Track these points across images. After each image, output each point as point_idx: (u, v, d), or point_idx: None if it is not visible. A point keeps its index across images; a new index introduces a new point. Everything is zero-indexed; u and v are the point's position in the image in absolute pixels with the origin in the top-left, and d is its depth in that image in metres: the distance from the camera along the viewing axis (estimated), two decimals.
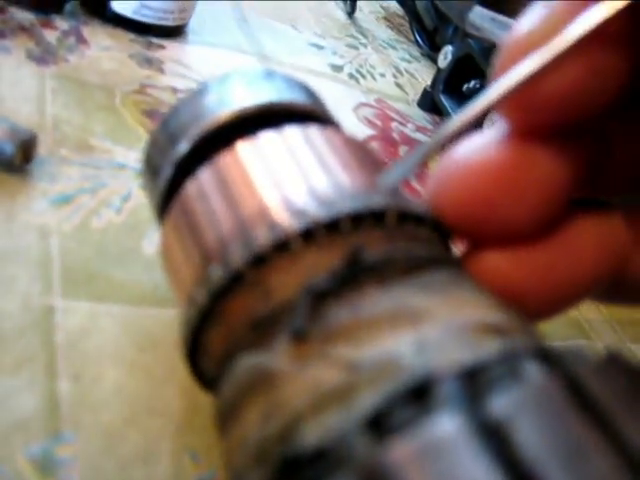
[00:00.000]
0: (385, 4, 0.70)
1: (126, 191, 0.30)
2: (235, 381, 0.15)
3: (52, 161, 0.30)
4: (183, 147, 0.19)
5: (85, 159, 0.31)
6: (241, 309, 0.15)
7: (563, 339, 0.34)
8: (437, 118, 0.52)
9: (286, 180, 0.16)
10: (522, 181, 0.16)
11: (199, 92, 0.20)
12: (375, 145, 0.44)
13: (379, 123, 0.47)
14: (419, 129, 0.49)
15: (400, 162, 0.16)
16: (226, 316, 0.16)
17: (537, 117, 0.15)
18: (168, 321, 0.25)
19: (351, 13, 0.62)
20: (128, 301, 0.25)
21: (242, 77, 0.21)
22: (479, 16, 0.47)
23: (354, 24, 0.62)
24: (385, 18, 0.67)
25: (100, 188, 0.29)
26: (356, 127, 0.45)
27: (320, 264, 0.15)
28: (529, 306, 0.16)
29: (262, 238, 0.15)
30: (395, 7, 0.69)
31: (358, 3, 0.63)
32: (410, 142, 0.46)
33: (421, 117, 0.51)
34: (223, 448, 0.15)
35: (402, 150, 0.45)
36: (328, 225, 0.15)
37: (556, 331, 0.34)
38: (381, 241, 0.15)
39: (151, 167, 0.21)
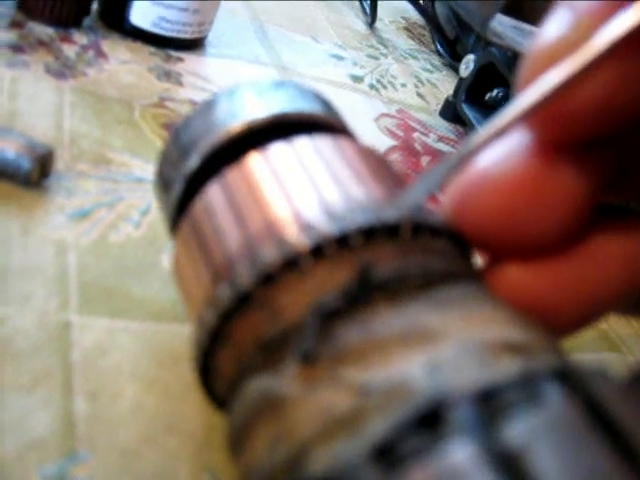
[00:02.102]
0: (406, 14, 0.70)
1: (145, 205, 0.30)
2: (245, 404, 0.14)
3: (69, 176, 0.29)
4: (193, 162, 0.19)
5: (103, 173, 0.30)
6: (250, 330, 0.15)
7: (593, 353, 0.33)
8: (459, 128, 0.51)
9: (295, 193, 0.16)
10: (547, 194, 0.15)
11: (210, 104, 0.20)
12: (397, 156, 0.43)
13: (401, 134, 0.46)
14: (441, 139, 0.48)
15: (425, 176, 0.16)
16: (235, 337, 0.15)
17: (567, 131, 0.14)
18: (187, 337, 0.25)
19: (371, 24, 0.62)
20: (146, 317, 0.25)
21: (253, 88, 0.20)
22: (501, 24, 0.47)
23: (374, 34, 0.61)
24: (406, 28, 0.66)
25: (118, 202, 0.29)
26: (378, 138, 0.44)
27: (330, 281, 0.14)
28: (553, 320, 0.16)
29: (270, 256, 0.14)
30: (416, 17, 0.69)
31: (378, 13, 0.63)
32: (432, 152, 0.46)
33: (443, 127, 0.50)
34: (237, 473, 0.15)
35: (424, 160, 0.44)
36: (338, 240, 0.14)
37: (586, 345, 0.33)
38: (394, 256, 0.14)
39: (163, 180, 0.21)
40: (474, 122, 0.47)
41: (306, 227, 0.14)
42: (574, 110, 0.14)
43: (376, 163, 0.17)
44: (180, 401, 0.22)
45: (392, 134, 0.45)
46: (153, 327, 0.25)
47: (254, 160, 0.17)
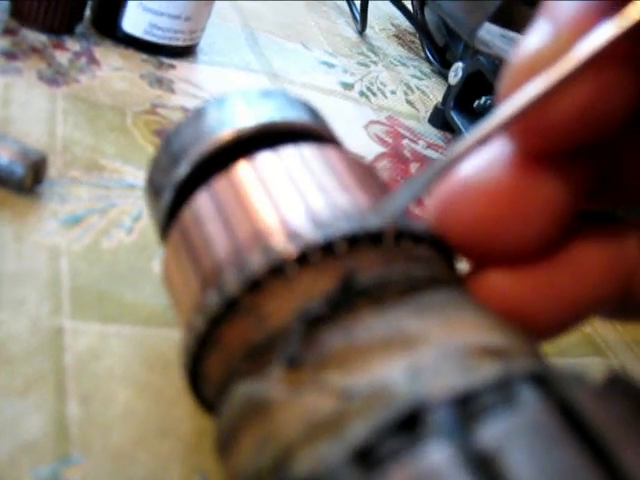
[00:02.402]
0: (396, 22, 0.70)
1: (136, 211, 0.30)
2: (232, 409, 0.15)
3: (62, 182, 0.30)
4: (183, 170, 0.19)
5: (95, 179, 0.31)
6: (237, 335, 0.15)
7: (578, 357, 0.34)
8: (448, 135, 0.51)
9: (282, 202, 0.16)
10: (527, 203, 0.15)
11: (200, 112, 0.20)
12: (386, 163, 0.44)
13: (390, 140, 0.46)
14: (430, 146, 0.49)
15: (409, 183, 0.16)
16: (223, 342, 0.15)
17: (547, 141, 0.15)
18: (178, 342, 0.25)
19: (361, 31, 0.62)
20: (138, 322, 0.25)
21: (242, 97, 0.20)
22: (489, 33, 0.47)
23: (365, 42, 0.62)
24: (395, 35, 0.67)
25: (110, 208, 0.29)
26: (367, 145, 0.45)
27: (315, 288, 0.14)
28: (534, 325, 0.16)
29: (256, 263, 0.15)
30: (405, 24, 0.70)
31: (368, 21, 0.63)
32: (421, 159, 0.46)
33: (432, 134, 0.51)
34: (226, 474, 0.15)
35: (413, 167, 0.45)
36: (323, 248, 0.15)
37: (571, 349, 0.34)
38: (378, 263, 0.15)
39: (153, 187, 0.21)
40: (463, 129, 0.48)
41: (292, 235, 0.15)
42: (554, 121, 0.14)
43: (362, 172, 0.17)
44: (171, 405, 0.23)
45: (381, 141, 0.46)
46: (145, 332, 0.25)
47: (242, 169, 0.17)
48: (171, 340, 0.25)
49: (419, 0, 0.61)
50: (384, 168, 0.43)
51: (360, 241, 0.15)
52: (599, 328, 0.36)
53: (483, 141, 0.15)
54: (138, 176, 0.32)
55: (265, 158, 0.17)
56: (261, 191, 0.16)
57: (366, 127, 0.47)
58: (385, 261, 0.15)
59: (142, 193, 0.31)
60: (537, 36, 0.14)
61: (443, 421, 0.11)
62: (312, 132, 0.20)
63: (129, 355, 0.24)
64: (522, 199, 0.15)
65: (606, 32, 0.13)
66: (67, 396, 0.21)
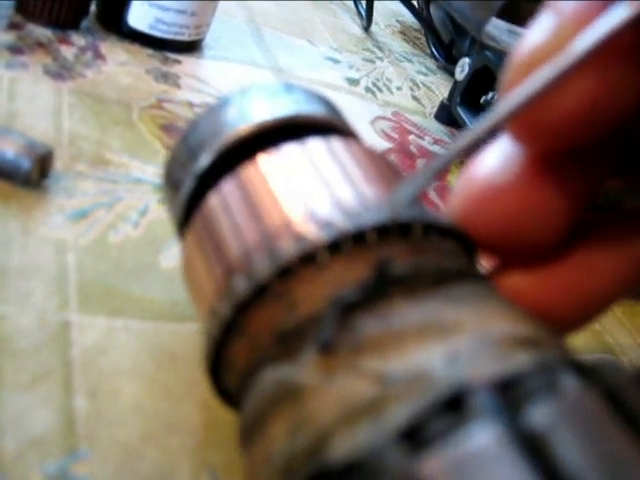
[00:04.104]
0: (401, 18, 0.70)
1: (143, 205, 0.30)
2: (260, 395, 0.14)
3: (68, 176, 0.29)
4: (205, 160, 0.19)
5: (101, 174, 0.30)
6: (266, 321, 0.15)
7: (587, 354, 0.34)
8: (454, 130, 0.51)
9: (310, 192, 0.16)
10: (538, 202, 0.15)
11: (218, 106, 0.20)
12: (393, 158, 0.43)
13: (396, 136, 0.46)
14: (437, 142, 0.49)
15: (416, 175, 0.16)
16: (250, 328, 0.15)
17: (552, 138, 0.14)
18: (186, 336, 0.25)
19: (367, 27, 0.62)
20: (146, 316, 0.25)
21: (262, 91, 0.20)
22: (497, 28, 0.47)
23: (370, 38, 0.61)
24: (401, 32, 0.67)
25: (117, 202, 0.29)
26: (373, 140, 0.44)
27: (347, 276, 0.14)
28: (556, 321, 0.16)
29: (287, 249, 0.15)
30: (411, 20, 0.69)
31: (374, 17, 0.63)
32: (428, 155, 0.46)
33: (438, 130, 0.51)
34: (246, 464, 0.15)
35: (420, 163, 0.45)
36: (354, 237, 0.15)
37: (579, 346, 0.34)
38: (408, 253, 0.15)
39: (171, 182, 0.21)
40: (469, 125, 0.47)
41: (323, 224, 0.15)
42: (558, 117, 0.14)
43: (382, 163, 0.18)
44: (180, 399, 0.22)
45: (388, 137, 0.46)
46: (152, 326, 0.25)
47: (268, 159, 0.17)
48: (179, 335, 0.25)
49: None
50: None
51: (390, 232, 0.15)
52: (608, 326, 0.36)
53: (488, 134, 0.15)
54: (144, 170, 0.32)
55: (291, 149, 0.17)
56: (289, 181, 0.16)
57: (372, 123, 0.47)
58: (415, 252, 0.15)
59: (149, 187, 0.31)
60: (540, 30, 0.14)
61: (487, 404, 0.11)
62: (332, 126, 0.20)
63: (136, 350, 0.23)
64: (536, 197, 0.15)
65: (609, 23, 0.13)
66: (74, 391, 0.21)
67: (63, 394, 0.21)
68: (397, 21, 0.69)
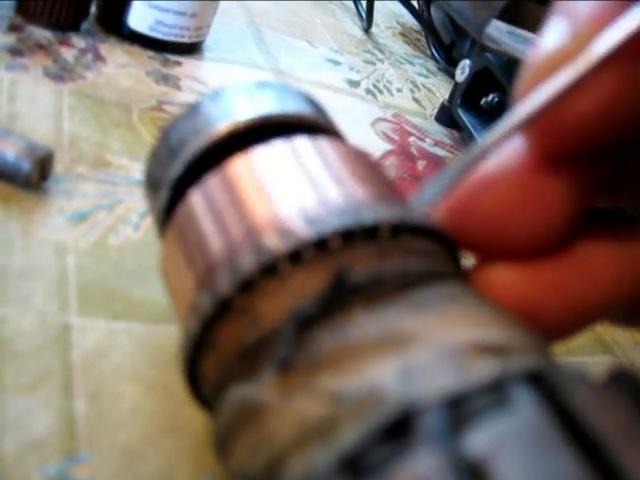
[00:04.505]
0: (401, 19, 0.70)
1: (143, 207, 0.30)
2: (226, 412, 0.14)
3: (69, 178, 0.29)
4: (177, 168, 0.19)
5: (102, 176, 0.30)
6: (231, 337, 0.15)
7: (588, 356, 0.34)
8: (455, 132, 0.51)
9: (273, 198, 0.15)
10: (540, 198, 0.15)
11: (200, 105, 0.20)
12: (393, 160, 0.43)
13: (397, 138, 0.46)
14: (437, 143, 0.49)
15: (433, 181, 0.16)
16: (218, 345, 0.15)
17: (566, 142, 0.14)
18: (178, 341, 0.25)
19: (367, 29, 0.62)
20: (146, 319, 0.25)
21: (240, 89, 0.20)
22: (497, 30, 0.47)
23: (371, 40, 0.61)
24: (401, 33, 0.67)
25: (117, 205, 0.29)
26: (374, 142, 0.44)
27: (308, 287, 0.14)
28: (541, 323, 0.16)
29: (248, 262, 0.14)
30: (411, 22, 0.69)
31: (374, 19, 0.63)
32: (428, 157, 0.46)
33: (439, 131, 0.51)
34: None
35: (420, 165, 0.45)
36: (316, 244, 0.14)
37: (581, 348, 0.33)
38: (373, 257, 0.14)
39: (152, 181, 0.20)
40: (470, 127, 0.47)
41: (284, 232, 0.14)
42: (573, 121, 0.14)
43: (361, 164, 0.17)
44: (180, 402, 0.22)
45: (388, 138, 0.46)
46: (153, 329, 0.25)
47: (234, 165, 0.17)
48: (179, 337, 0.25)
49: None
50: (391, 165, 0.43)
51: (355, 236, 0.14)
52: (609, 327, 0.36)
53: (505, 138, 0.15)
54: None
55: (258, 153, 0.17)
56: (253, 188, 0.16)
57: (373, 124, 0.47)
58: (380, 256, 0.14)
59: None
60: (555, 34, 0.14)
61: (433, 426, 0.11)
62: (311, 124, 0.19)
63: (137, 352, 0.23)
64: (534, 195, 0.15)
65: (628, 26, 0.13)
66: (74, 393, 0.21)
67: (63, 396, 0.21)
68: (397, 22, 0.69)
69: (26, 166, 0.27)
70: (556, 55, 0.14)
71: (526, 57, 0.14)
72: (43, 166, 0.28)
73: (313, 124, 0.19)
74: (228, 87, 0.20)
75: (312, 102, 0.21)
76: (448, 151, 0.48)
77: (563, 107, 0.14)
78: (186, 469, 0.21)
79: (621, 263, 0.16)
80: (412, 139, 0.47)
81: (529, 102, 0.14)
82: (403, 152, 0.45)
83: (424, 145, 0.47)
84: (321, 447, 0.12)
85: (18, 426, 0.20)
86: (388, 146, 0.45)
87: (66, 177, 0.29)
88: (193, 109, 0.20)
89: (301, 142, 0.17)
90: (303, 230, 0.14)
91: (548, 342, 0.15)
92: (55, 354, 0.22)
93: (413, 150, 0.46)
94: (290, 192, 0.15)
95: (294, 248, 0.14)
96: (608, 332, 0.35)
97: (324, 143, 0.17)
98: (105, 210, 0.29)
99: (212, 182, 0.17)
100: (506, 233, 0.16)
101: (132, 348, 0.24)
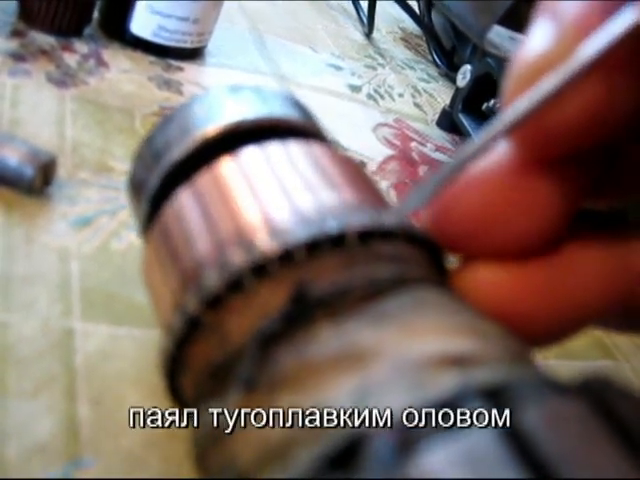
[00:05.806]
0: (403, 24, 0.70)
1: None
2: (199, 432, 0.14)
3: (71, 183, 0.29)
4: (168, 161, 0.18)
5: (104, 181, 0.31)
6: (203, 355, 0.14)
7: (588, 360, 0.34)
8: (456, 137, 0.51)
9: (242, 209, 0.15)
10: (526, 200, 0.15)
11: (185, 107, 0.19)
12: (395, 165, 0.44)
13: (398, 143, 0.46)
14: (439, 149, 0.49)
15: (419, 187, 0.16)
16: (191, 363, 0.15)
17: (551, 146, 0.14)
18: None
19: (369, 34, 0.62)
20: (149, 324, 0.25)
21: (227, 92, 0.20)
22: (498, 35, 0.47)
23: (372, 45, 0.62)
24: (403, 38, 0.67)
25: (120, 210, 0.29)
26: (375, 147, 0.44)
27: (272, 302, 0.14)
28: (525, 327, 0.15)
29: (213, 279, 0.14)
30: (413, 27, 0.69)
31: (376, 24, 0.63)
32: (430, 162, 0.46)
33: (440, 136, 0.51)
34: None
35: (422, 170, 0.45)
36: (281, 257, 0.14)
37: (581, 352, 0.34)
38: (339, 267, 0.14)
39: (135, 183, 0.20)
40: (471, 132, 0.47)
41: (248, 245, 0.14)
42: (559, 126, 0.14)
43: (339, 169, 0.16)
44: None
45: (390, 144, 0.46)
46: (155, 334, 0.25)
47: (202, 177, 0.16)
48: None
49: (426, 3, 0.61)
50: (393, 171, 0.43)
51: (321, 246, 0.14)
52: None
53: (490, 144, 0.15)
54: None
55: (227, 162, 0.16)
56: (220, 201, 0.15)
57: (374, 130, 0.47)
58: (346, 265, 0.14)
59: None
60: (540, 37, 0.14)
61: (380, 452, 0.11)
62: (293, 128, 0.19)
63: (139, 357, 0.24)
64: (518, 196, 0.15)
65: (615, 30, 0.13)
66: (77, 398, 0.21)
67: (66, 401, 0.21)
68: (399, 28, 0.69)
69: (29, 172, 0.27)
70: (541, 59, 0.13)
71: (512, 59, 0.14)
72: (46, 172, 0.28)
73: (297, 128, 0.19)
74: (213, 91, 0.20)
75: (301, 107, 0.20)
76: (450, 156, 0.48)
77: (548, 113, 0.13)
78: (189, 474, 0.21)
79: (611, 267, 0.16)
80: (413, 144, 0.47)
81: (514, 108, 0.14)
82: (404, 157, 0.45)
83: (425, 150, 0.47)
84: (281, 470, 0.12)
85: (21, 431, 0.20)
86: (389, 151, 0.45)
87: (69, 182, 0.29)
88: (177, 112, 0.19)
89: (271, 147, 0.16)
90: (267, 243, 0.14)
91: (525, 348, 0.15)
92: (58, 359, 0.22)
93: (414, 155, 0.46)
94: (258, 203, 0.15)
95: (258, 262, 0.14)
96: (608, 336, 0.35)
97: (296, 148, 0.16)
98: (108, 215, 0.29)
99: (183, 195, 0.16)
100: (490, 234, 0.15)
101: (135, 353, 0.24)
